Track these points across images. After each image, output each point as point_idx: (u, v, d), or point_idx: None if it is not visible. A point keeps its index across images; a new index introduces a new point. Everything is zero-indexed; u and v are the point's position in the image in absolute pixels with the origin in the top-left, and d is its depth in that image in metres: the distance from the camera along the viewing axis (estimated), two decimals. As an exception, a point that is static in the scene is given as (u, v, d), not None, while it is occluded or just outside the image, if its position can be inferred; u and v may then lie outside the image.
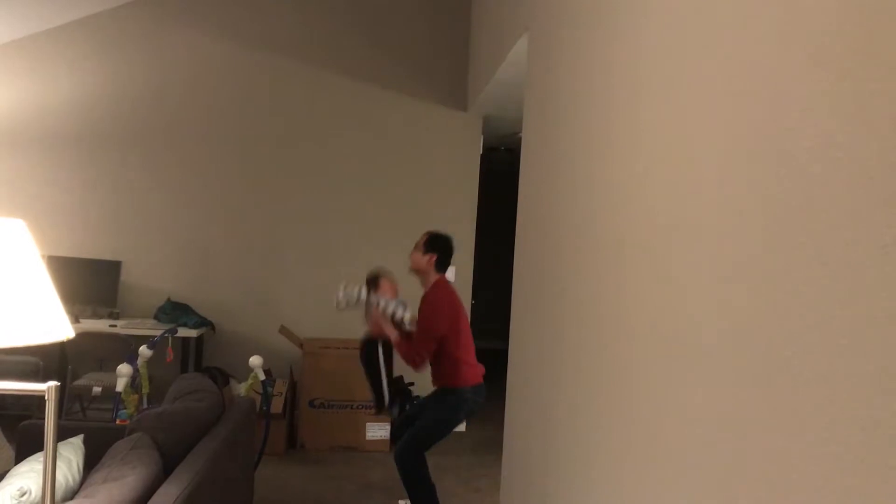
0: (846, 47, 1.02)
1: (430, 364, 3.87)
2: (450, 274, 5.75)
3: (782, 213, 1.16)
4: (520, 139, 3.64)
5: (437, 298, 3.82)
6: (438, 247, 3.90)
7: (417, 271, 3.94)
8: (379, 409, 4.00)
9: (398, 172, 5.95)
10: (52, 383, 1.39)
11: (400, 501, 4.26)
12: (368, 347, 3.93)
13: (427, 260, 3.87)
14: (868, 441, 0.94)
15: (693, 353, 1.45)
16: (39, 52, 5.65)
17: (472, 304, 5.95)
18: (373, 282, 3.93)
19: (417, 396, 5.34)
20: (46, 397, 1.37)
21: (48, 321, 1.43)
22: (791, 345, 1.12)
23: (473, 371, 3.85)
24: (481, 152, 6.06)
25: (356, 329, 5.79)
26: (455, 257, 5.15)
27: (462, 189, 5.98)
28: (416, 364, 3.73)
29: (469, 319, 3.97)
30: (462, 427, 5.86)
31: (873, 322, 0.94)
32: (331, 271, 5.83)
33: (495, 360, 4.63)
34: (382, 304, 3.80)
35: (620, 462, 1.84)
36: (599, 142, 2.17)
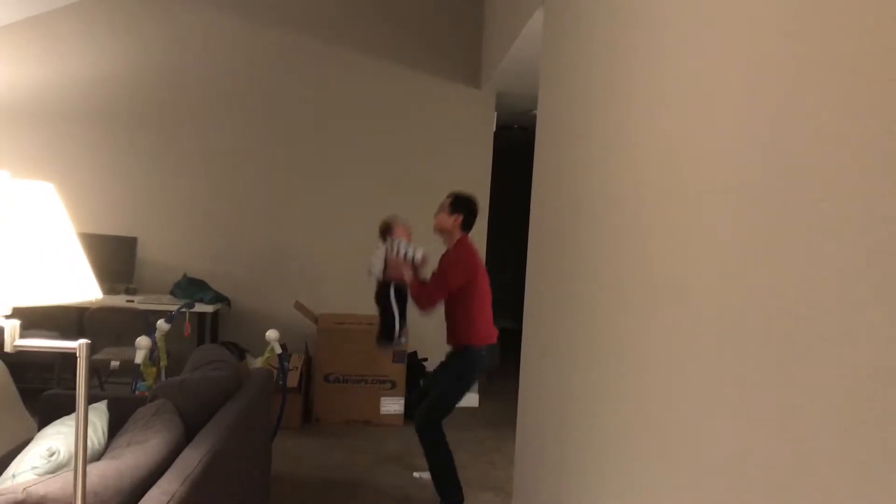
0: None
1: (447, 320, 3.95)
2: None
3: (790, 205, 1.17)
4: (534, 117, 3.64)
5: (459, 254, 3.89)
6: (464, 207, 3.95)
7: (442, 231, 3.99)
8: (387, 340, 4.04)
9: (411, 149, 5.97)
10: (83, 341, 1.43)
11: (415, 473, 4.32)
12: (383, 290, 4.00)
13: (453, 220, 3.93)
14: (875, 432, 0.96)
15: (710, 328, 1.47)
16: (57, 29, 5.67)
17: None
18: (386, 229, 4.04)
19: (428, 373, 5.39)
20: (78, 354, 1.41)
21: (79, 281, 1.47)
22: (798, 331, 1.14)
23: (488, 331, 3.91)
24: (494, 130, 6.06)
25: (370, 305, 5.85)
26: (469, 234, 5.18)
27: (475, 167, 5.99)
28: (423, 306, 3.83)
29: (489, 282, 4.02)
30: (475, 402, 5.91)
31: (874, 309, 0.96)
32: (345, 247, 5.88)
33: (509, 339, 4.66)
34: (396, 245, 3.91)
35: (635, 436, 1.86)
36: (616, 119, 2.18)
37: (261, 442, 3.24)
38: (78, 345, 1.43)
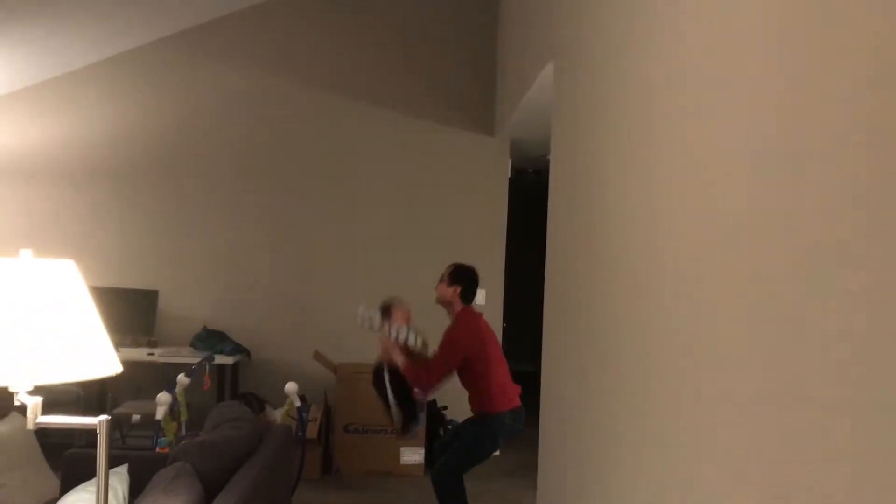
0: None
1: (468, 391, 3.94)
2: (479, 297, 5.80)
3: (798, 219, 1.18)
4: (548, 161, 3.69)
5: (457, 332, 3.90)
6: (463, 278, 3.99)
7: (443, 303, 4.03)
8: (399, 431, 4.08)
9: (428, 198, 6.01)
10: (104, 417, 1.45)
11: (435, 526, 4.27)
12: (377, 373, 4.02)
13: (452, 292, 3.96)
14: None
15: (732, 373, 1.47)
16: (74, 90, 5.82)
17: (504, 327, 5.97)
18: (385, 310, 4.03)
19: (451, 421, 5.37)
20: (98, 431, 1.43)
21: (100, 357, 1.49)
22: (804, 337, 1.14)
23: (508, 396, 3.88)
24: (509, 176, 6.10)
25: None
26: (485, 279, 5.17)
27: (491, 212, 6.03)
28: (423, 388, 3.85)
29: (501, 344, 4.02)
30: (497, 451, 5.86)
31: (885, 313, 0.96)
32: (363, 297, 5.88)
33: (527, 383, 4.64)
34: (393, 331, 3.90)
35: (656, 486, 1.85)
36: (627, 164, 2.20)
37: (282, 497, 3.23)
38: (98, 421, 1.45)
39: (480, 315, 4.06)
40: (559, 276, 3.13)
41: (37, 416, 1.44)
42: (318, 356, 5.47)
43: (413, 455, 5.29)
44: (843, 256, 1.09)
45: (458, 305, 3.97)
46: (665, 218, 1.85)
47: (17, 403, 1.47)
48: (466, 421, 4.02)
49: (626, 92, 2.25)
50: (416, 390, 3.93)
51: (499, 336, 5.86)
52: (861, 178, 1.05)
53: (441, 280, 4.03)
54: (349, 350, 5.87)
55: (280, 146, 5.94)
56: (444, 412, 5.60)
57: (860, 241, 1.05)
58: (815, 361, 1.16)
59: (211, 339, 5.51)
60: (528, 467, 5.36)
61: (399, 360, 3.86)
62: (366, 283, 5.92)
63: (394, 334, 3.88)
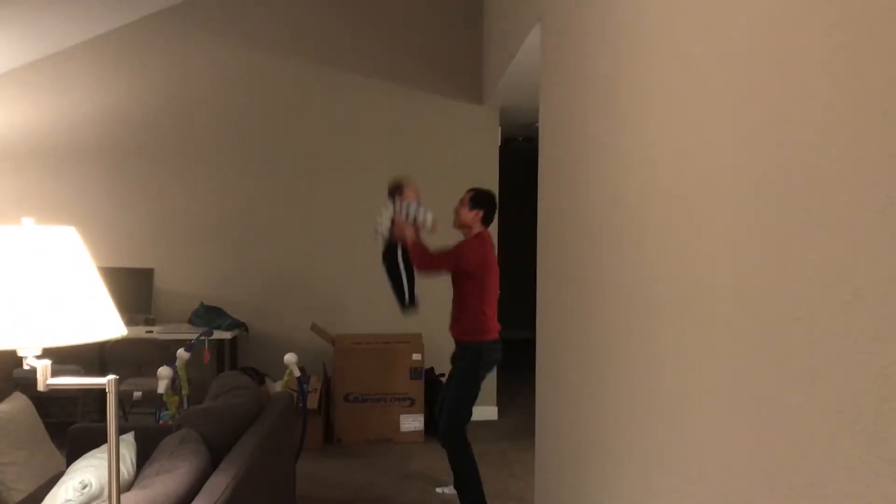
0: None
1: (453, 309, 4.04)
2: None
3: (794, 182, 1.22)
4: (537, 129, 3.71)
5: (469, 246, 3.95)
6: (484, 202, 4.04)
7: (463, 227, 4.07)
8: (403, 306, 4.12)
9: (418, 168, 6.02)
10: (112, 377, 1.49)
11: (438, 489, 4.36)
12: (390, 251, 4.08)
13: (473, 216, 4.01)
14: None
15: (718, 326, 1.52)
16: (66, 68, 5.80)
17: (498, 295, 6.01)
18: (396, 189, 4.10)
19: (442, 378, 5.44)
20: (107, 389, 1.47)
21: (104, 320, 1.53)
22: (800, 307, 1.18)
23: (490, 326, 3.97)
24: (499, 143, 6.12)
25: (385, 324, 5.91)
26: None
27: (482, 181, 6.01)
28: (423, 268, 3.92)
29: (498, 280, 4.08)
30: (494, 415, 5.95)
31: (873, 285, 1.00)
32: (357, 267, 5.94)
33: (524, 349, 4.70)
34: (405, 208, 3.99)
35: (650, 444, 1.91)
36: (615, 125, 2.23)
37: (285, 464, 3.29)
38: (107, 381, 1.49)
39: (493, 244, 4.11)
40: (551, 243, 3.17)
41: (46, 377, 1.48)
42: (315, 328, 5.53)
43: (413, 422, 5.37)
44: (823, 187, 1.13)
45: (478, 229, 4.02)
46: (656, 181, 1.88)
47: (25, 367, 1.51)
48: (453, 367, 4.07)
49: (614, 52, 2.27)
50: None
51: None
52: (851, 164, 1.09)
53: (461, 204, 4.06)
54: (346, 322, 5.93)
55: (271, 120, 5.95)
56: (442, 378, 5.67)
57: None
58: (800, 295, 1.21)
59: (209, 314, 5.55)
60: (526, 429, 5.46)
61: (408, 234, 3.95)
62: (359, 254, 5.95)
63: (405, 211, 3.98)
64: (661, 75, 1.84)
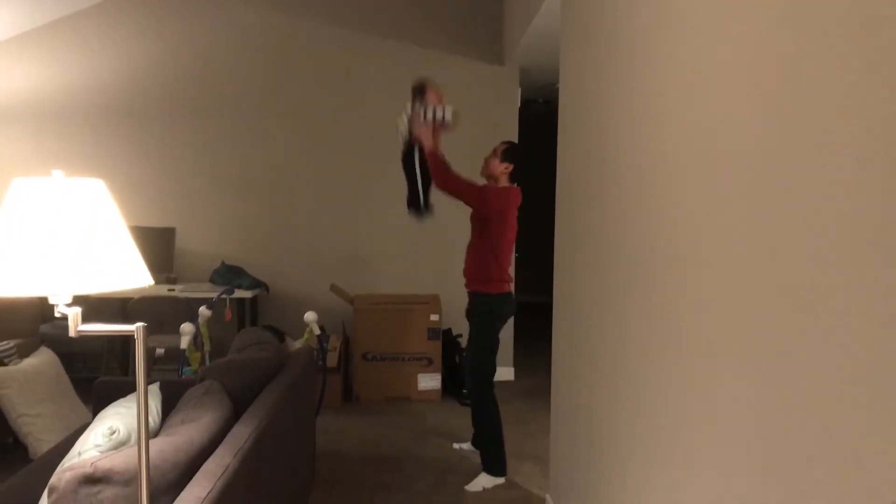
0: None
1: (466, 259, 4.03)
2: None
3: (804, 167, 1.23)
4: (557, 91, 3.69)
5: (498, 190, 3.92)
6: (516, 157, 3.98)
7: (490, 177, 4.03)
8: (413, 208, 4.01)
9: (438, 129, 6.02)
10: (141, 324, 1.53)
11: (455, 445, 4.43)
12: (409, 153, 3.98)
13: (503, 168, 3.96)
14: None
15: (736, 289, 1.54)
16: (88, 28, 5.82)
17: (516, 257, 6.04)
18: (419, 90, 3.93)
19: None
20: (136, 336, 1.52)
21: (131, 269, 1.57)
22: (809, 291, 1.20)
23: (502, 278, 3.96)
24: (519, 105, 6.09)
25: (403, 285, 5.96)
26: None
27: (502, 143, 6.03)
28: (439, 182, 3.77)
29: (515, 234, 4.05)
30: (511, 376, 6.01)
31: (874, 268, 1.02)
32: (376, 229, 5.98)
33: (541, 313, 4.73)
34: (429, 111, 3.83)
35: (662, 407, 1.94)
36: (636, 87, 2.23)
37: (305, 418, 3.36)
38: (136, 328, 1.54)
39: (518, 202, 4.03)
40: (569, 208, 3.18)
41: (77, 324, 1.53)
42: (334, 288, 5.59)
43: (430, 381, 5.44)
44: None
45: (505, 182, 3.98)
46: (676, 142, 1.89)
47: (57, 315, 1.56)
48: (470, 323, 4.05)
49: (635, 12, 2.26)
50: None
51: (511, 268, 5.96)
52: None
53: (494, 155, 4.00)
54: (365, 282, 5.99)
55: (291, 80, 5.95)
56: (459, 339, 5.73)
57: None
58: (811, 270, 1.22)
59: (229, 273, 5.62)
60: (541, 390, 5.52)
61: (427, 141, 3.83)
62: (378, 216, 5.99)
63: (429, 115, 3.81)
64: (684, 37, 1.83)
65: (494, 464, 3.91)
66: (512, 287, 4.05)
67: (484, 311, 3.94)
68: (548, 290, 3.89)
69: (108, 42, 5.84)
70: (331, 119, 5.98)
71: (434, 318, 5.42)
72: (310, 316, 4.50)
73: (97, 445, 1.94)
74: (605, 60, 2.59)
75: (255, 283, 5.64)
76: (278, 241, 6.01)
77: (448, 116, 3.79)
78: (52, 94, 5.85)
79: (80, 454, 1.95)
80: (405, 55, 5.97)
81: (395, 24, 5.95)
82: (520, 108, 6.11)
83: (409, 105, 3.91)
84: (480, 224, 3.94)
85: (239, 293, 5.38)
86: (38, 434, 3.56)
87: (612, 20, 2.51)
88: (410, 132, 3.91)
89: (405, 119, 3.90)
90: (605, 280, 2.57)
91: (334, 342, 5.41)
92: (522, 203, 4.03)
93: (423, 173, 3.91)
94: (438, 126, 3.84)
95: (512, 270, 4.12)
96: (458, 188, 3.76)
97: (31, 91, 5.84)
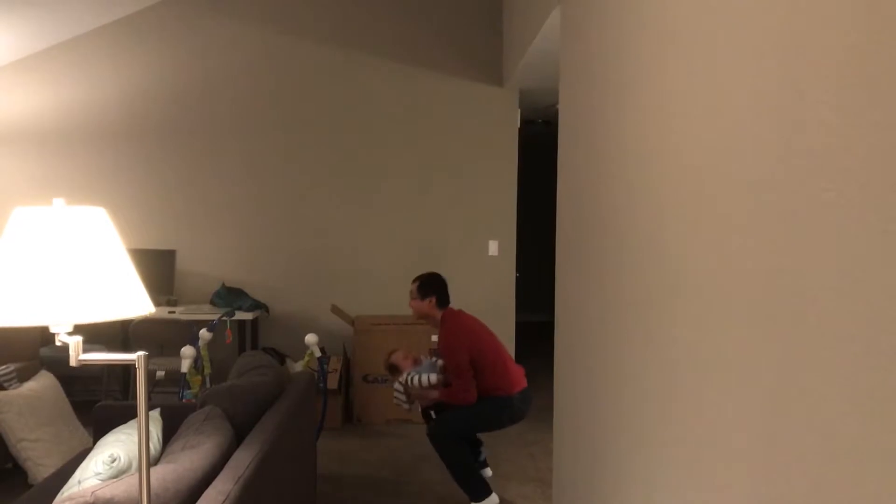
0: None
1: (476, 380, 3.94)
2: (492, 248, 5.87)
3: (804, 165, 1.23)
4: (557, 111, 3.71)
5: (450, 337, 3.91)
6: (432, 288, 4.02)
7: (423, 317, 4.08)
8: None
9: (438, 151, 6.05)
10: (141, 353, 1.53)
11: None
12: (427, 412, 4.07)
13: (427, 304, 4.00)
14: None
15: (737, 307, 1.53)
16: (88, 52, 5.86)
17: (517, 278, 6.04)
18: (392, 369, 4.14)
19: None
20: (137, 365, 1.51)
21: (132, 297, 1.57)
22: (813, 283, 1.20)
23: (513, 379, 3.91)
24: (518, 126, 6.12)
25: (404, 306, 5.96)
26: (498, 231, 5.18)
27: (501, 164, 6.06)
28: (467, 399, 3.81)
29: (492, 332, 4.05)
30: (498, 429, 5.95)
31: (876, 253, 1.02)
32: (377, 249, 5.99)
33: (545, 332, 4.72)
34: (409, 379, 3.95)
35: (665, 427, 1.93)
36: (633, 111, 2.24)
37: (306, 442, 3.35)
38: (136, 357, 1.53)
39: (461, 311, 4.05)
40: (569, 228, 3.18)
41: (78, 353, 1.52)
42: (335, 310, 5.58)
43: (431, 403, 5.41)
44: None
45: (438, 313, 4.00)
46: (678, 166, 1.89)
47: (58, 344, 1.55)
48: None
49: (634, 35, 2.28)
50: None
51: (512, 288, 5.95)
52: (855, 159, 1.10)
53: (412, 298, 4.04)
54: (365, 303, 5.98)
55: (292, 102, 5.98)
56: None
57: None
58: (808, 263, 1.22)
59: (230, 295, 5.62)
60: (543, 411, 5.49)
61: (433, 396, 3.92)
62: (379, 236, 6.00)
63: (415, 382, 3.92)
64: (682, 61, 1.84)
65: (477, 491, 3.80)
66: (524, 378, 4.00)
67: (496, 407, 3.86)
68: (549, 309, 3.87)
69: (107, 66, 5.88)
70: (332, 142, 6.00)
71: (435, 339, 5.41)
72: (311, 338, 4.49)
73: (97, 473, 1.93)
74: (604, 81, 2.60)
75: (256, 305, 5.63)
76: (279, 262, 6.01)
77: (432, 380, 3.90)
78: (53, 119, 5.87)
79: (80, 482, 1.93)
80: (406, 77, 6.00)
81: (396, 47, 5.99)
82: (519, 129, 6.13)
83: (396, 382, 4.08)
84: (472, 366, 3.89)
85: (240, 315, 5.37)
86: (37, 459, 3.55)
87: (611, 41, 2.52)
88: (412, 401, 4.08)
89: (402, 394, 4.07)
90: (606, 298, 2.56)
91: (335, 364, 5.39)
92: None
93: (437, 407, 4.00)
94: (428, 389, 3.94)
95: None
96: (466, 377, 3.80)
97: (31, 116, 5.87)
